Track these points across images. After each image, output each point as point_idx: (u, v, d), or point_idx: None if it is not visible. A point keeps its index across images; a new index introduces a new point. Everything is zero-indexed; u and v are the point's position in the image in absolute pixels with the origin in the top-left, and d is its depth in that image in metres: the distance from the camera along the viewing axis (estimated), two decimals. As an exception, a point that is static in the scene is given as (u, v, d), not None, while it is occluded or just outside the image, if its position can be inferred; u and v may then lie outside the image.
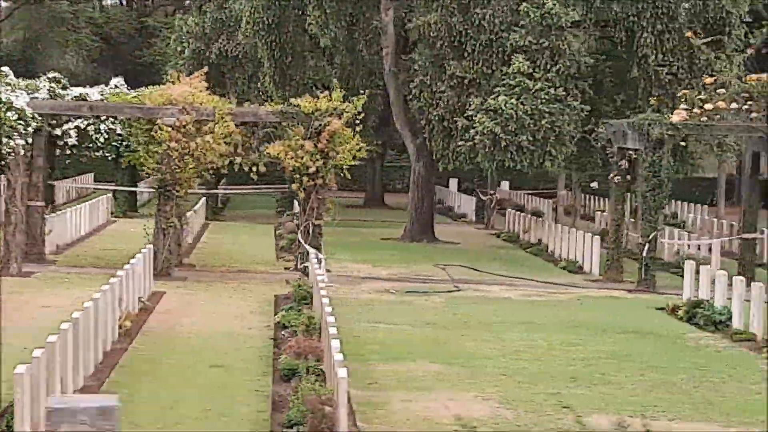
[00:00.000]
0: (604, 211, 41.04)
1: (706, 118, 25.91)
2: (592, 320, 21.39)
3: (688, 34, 30.07)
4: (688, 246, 32.11)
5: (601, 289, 26.39)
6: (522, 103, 30.67)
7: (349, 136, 24.90)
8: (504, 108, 30.53)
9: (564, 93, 31.10)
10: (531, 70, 31.04)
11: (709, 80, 27.07)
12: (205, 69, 27.92)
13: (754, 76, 26.67)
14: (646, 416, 14.04)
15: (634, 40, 31.94)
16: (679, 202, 51.78)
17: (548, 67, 31.30)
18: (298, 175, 25.06)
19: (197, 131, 24.70)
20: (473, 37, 32.38)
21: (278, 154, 24.82)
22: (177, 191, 24.89)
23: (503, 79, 31.23)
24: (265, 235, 36.66)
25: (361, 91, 27.00)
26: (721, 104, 25.81)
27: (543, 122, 30.65)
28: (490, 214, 43.88)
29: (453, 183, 55.39)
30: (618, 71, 34.08)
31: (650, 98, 31.34)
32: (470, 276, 27.93)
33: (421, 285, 25.58)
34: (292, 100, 25.79)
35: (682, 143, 28.98)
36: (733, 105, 25.87)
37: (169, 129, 24.54)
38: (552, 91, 30.91)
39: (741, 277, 20.95)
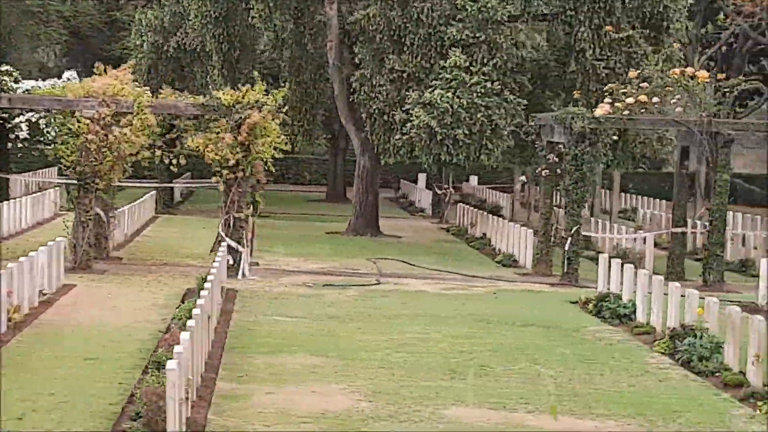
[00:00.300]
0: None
1: (627, 112, 25.87)
2: (499, 313, 21.37)
3: (608, 27, 30.04)
4: (626, 240, 32.09)
5: (525, 283, 26.40)
6: (458, 96, 30.68)
7: (270, 129, 24.87)
8: (439, 102, 30.54)
9: (500, 87, 31.10)
10: (468, 64, 31.05)
11: (632, 74, 27.09)
12: (132, 62, 27.86)
13: (677, 69, 26.66)
14: (507, 408, 14.07)
15: (572, 34, 31.96)
16: (639, 197, 51.90)
17: (485, 60, 31.33)
18: (218, 168, 25.03)
19: (117, 123, 24.66)
20: (412, 30, 32.41)
21: (198, 146, 24.79)
22: (96, 184, 24.84)
23: (441, 73, 31.25)
24: (212, 229, 36.55)
25: (283, 84, 27.00)
26: (643, 98, 25.80)
27: (479, 116, 30.67)
28: (445, 209, 43.85)
29: (422, 178, 55.43)
30: (564, 65, 34.12)
31: (589, 93, 31.48)
32: (400, 270, 27.91)
33: (343, 278, 25.59)
34: (214, 92, 25.76)
35: (615, 137, 29.11)
36: (655, 99, 25.87)
37: (88, 121, 24.50)
38: (488, 84, 30.92)
39: (645, 270, 20.93)
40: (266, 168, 25.87)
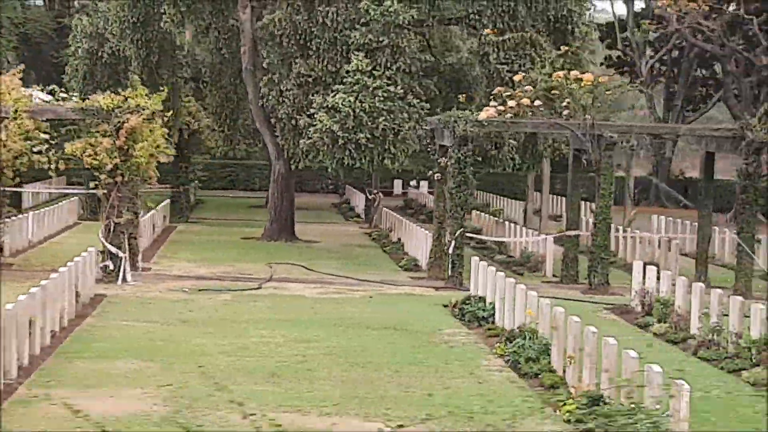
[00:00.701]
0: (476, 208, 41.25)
1: (510, 116, 25.83)
2: (361, 317, 21.33)
3: (488, 31, 30.01)
4: (531, 243, 32.04)
5: (413, 286, 26.35)
6: (360, 101, 30.58)
7: (147, 134, 24.77)
8: (341, 106, 30.46)
9: (403, 91, 30.99)
10: (371, 68, 30.97)
11: (518, 77, 27.05)
12: (22, 66, 27.70)
13: (560, 73, 26.62)
14: (301, 411, 13.99)
15: (477, 38, 31.97)
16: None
17: (389, 65, 31.25)
18: (97, 173, 24.95)
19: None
20: (318, 35, 32.34)
21: (75, 151, 24.69)
22: (-26, 189, 24.80)
23: (345, 77, 31.19)
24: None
25: (162, 88, 26.87)
26: (525, 101, 25.76)
27: (380, 120, 30.57)
28: (374, 214, 43.77)
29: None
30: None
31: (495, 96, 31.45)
32: (295, 274, 27.84)
33: (228, 283, 25.51)
34: (93, 96, 25.68)
35: (512, 141, 29.10)
36: (537, 102, 25.83)
37: (-37, 127, 24.44)
38: (392, 89, 30.83)
39: (502, 273, 20.85)
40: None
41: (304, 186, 64.43)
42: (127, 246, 25.47)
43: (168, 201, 41.16)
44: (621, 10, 67.49)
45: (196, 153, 48.58)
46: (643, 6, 65.85)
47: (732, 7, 52.37)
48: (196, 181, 58.39)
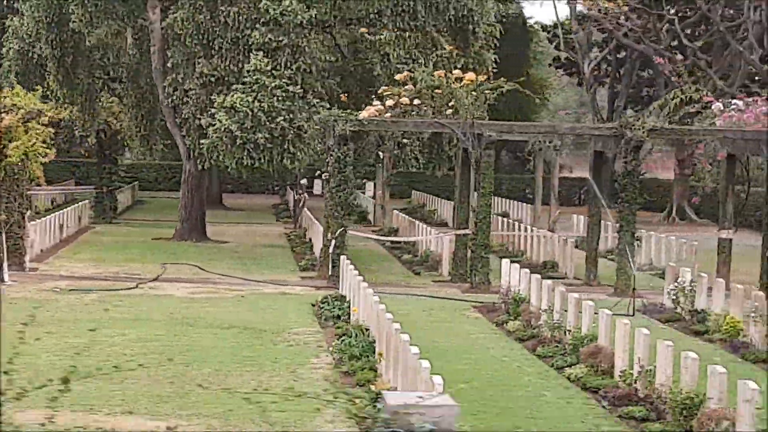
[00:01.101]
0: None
1: (389, 114, 25.80)
2: (218, 317, 21.27)
3: (362, 30, 30.00)
4: (433, 242, 32.02)
5: (296, 286, 26.32)
6: (259, 100, 30.50)
7: (21, 134, 24.65)
8: (239, 106, 30.37)
9: (302, 90, 30.90)
10: (271, 68, 30.89)
11: (400, 76, 27.02)
12: None
13: (441, 72, 26.60)
14: (97, 411, 13.93)
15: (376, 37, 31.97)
16: (510, 201, 51.97)
17: (289, 64, 31.17)
18: (-30, 173, 24.87)
19: None
20: (220, 34, 32.30)
21: (-51, 152, 24.61)
22: None
23: (245, 77, 31.11)
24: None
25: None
26: (405, 100, 25.73)
27: (279, 120, 30.49)
28: (299, 214, 43.69)
29: (317, 183, 55.60)
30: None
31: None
32: (187, 274, 27.81)
33: (109, 283, 25.47)
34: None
35: (405, 140, 29.06)
36: (416, 101, 25.81)
37: None
38: (291, 88, 30.75)
39: (357, 272, 20.80)
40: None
41: (251, 187, 64.55)
42: (5, 246, 25.35)
43: (86, 201, 41.09)
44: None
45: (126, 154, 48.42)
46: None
47: (672, 10, 52.52)
48: (136, 182, 58.48)
